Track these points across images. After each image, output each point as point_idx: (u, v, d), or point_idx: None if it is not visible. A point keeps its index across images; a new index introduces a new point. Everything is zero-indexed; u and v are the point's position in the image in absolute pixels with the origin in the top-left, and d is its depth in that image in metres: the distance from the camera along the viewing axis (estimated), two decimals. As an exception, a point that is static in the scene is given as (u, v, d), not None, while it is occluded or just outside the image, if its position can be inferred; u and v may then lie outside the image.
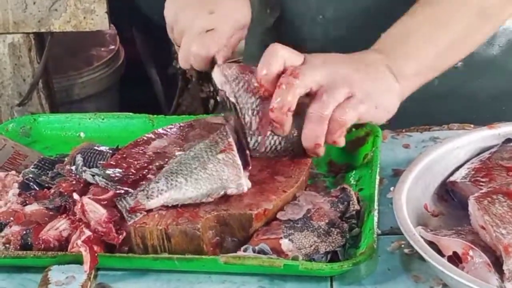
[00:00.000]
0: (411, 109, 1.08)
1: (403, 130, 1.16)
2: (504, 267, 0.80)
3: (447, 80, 1.18)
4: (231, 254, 0.90)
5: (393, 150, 1.12)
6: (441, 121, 1.15)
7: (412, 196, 0.93)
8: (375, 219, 0.94)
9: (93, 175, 0.99)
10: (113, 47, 2.36)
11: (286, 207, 0.96)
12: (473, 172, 0.96)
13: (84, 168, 1.01)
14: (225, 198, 0.96)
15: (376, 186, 0.99)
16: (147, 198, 0.94)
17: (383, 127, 1.11)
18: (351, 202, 0.97)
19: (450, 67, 1.12)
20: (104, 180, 0.98)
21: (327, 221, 0.94)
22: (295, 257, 0.90)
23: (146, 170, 1.02)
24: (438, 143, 1.02)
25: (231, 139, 0.97)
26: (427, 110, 1.20)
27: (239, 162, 0.96)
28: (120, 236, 0.93)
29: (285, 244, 0.91)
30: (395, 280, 0.89)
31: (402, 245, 0.94)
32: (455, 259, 0.85)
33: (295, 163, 1.02)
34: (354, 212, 0.96)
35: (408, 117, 1.11)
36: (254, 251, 0.90)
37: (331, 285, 0.89)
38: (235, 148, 0.97)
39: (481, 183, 0.94)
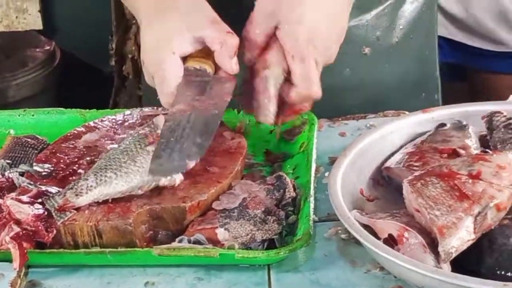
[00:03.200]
0: (323, 102, 1.07)
1: (340, 119, 1.16)
2: (439, 248, 0.80)
3: (358, 69, 1.21)
4: (165, 245, 0.88)
5: (329, 139, 1.12)
6: (355, 111, 1.16)
7: (347, 181, 0.93)
8: (311, 206, 0.93)
9: (20, 174, 0.96)
10: (48, 47, 2.30)
11: (222, 197, 0.94)
12: (407, 157, 0.96)
13: (10, 170, 0.98)
14: (158, 192, 0.93)
15: (312, 173, 0.99)
16: (76, 195, 0.91)
17: (319, 116, 1.11)
18: (287, 190, 0.96)
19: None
20: (27, 180, 0.95)
21: (263, 209, 0.93)
22: (231, 246, 0.88)
23: (77, 165, 0.99)
24: (372, 129, 1.01)
25: (159, 131, 0.95)
26: (341, 102, 1.21)
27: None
28: (50, 234, 0.90)
29: (221, 233, 0.89)
30: (332, 265, 0.89)
31: (339, 231, 0.93)
32: (391, 242, 0.84)
33: (230, 154, 1.01)
34: (290, 200, 0.95)
35: (323, 111, 1.12)
36: (189, 242, 0.89)
37: (269, 273, 0.88)
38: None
39: (414, 167, 0.93)
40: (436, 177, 0.86)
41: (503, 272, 0.78)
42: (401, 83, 1.27)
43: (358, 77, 1.24)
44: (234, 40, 0.97)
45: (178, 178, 0.94)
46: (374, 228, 0.86)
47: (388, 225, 0.85)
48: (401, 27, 1.26)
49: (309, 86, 0.98)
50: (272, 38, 0.99)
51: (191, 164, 0.91)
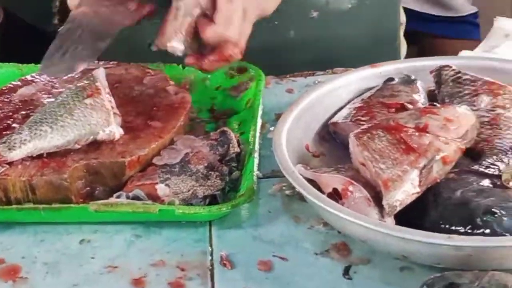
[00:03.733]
0: (265, 61, 1.07)
1: (287, 76, 1.13)
2: (384, 202, 0.78)
3: (304, 31, 1.17)
4: (102, 201, 0.85)
5: (276, 95, 1.08)
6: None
7: (292, 136, 0.90)
8: (256, 161, 0.90)
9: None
10: (-10, 7, 2.23)
11: (163, 152, 0.91)
12: (354, 112, 0.93)
13: None
14: (96, 147, 0.90)
15: (258, 129, 0.96)
16: (9, 149, 0.87)
17: (266, 72, 1.08)
18: (231, 145, 0.92)
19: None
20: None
21: (205, 164, 0.90)
22: (171, 202, 0.85)
23: (11, 119, 0.94)
24: (319, 84, 0.98)
25: (98, 84, 0.91)
26: (284, 62, 1.18)
27: (108, 106, 0.90)
28: (-18, 190, 0.86)
29: (161, 189, 0.86)
30: (275, 221, 0.86)
31: (283, 187, 0.90)
32: (335, 196, 0.82)
33: (173, 109, 0.97)
34: (234, 155, 0.92)
35: (270, 68, 1.09)
36: (128, 198, 0.85)
37: (210, 230, 0.85)
38: (103, 92, 0.91)
39: (362, 122, 0.91)
40: (383, 130, 0.84)
41: (447, 226, 0.76)
42: (352, 51, 1.23)
43: (303, 40, 1.21)
44: None
45: (118, 132, 0.90)
46: (319, 182, 0.83)
47: (333, 179, 0.82)
48: None
49: (228, 27, 0.94)
50: None
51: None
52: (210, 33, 0.95)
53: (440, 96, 0.94)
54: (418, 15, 1.95)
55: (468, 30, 1.93)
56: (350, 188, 0.80)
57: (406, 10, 1.90)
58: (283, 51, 1.20)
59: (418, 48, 1.91)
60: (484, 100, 0.91)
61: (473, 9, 2.00)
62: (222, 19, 0.94)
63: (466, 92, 0.92)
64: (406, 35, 1.50)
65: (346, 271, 0.79)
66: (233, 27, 0.95)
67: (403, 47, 1.40)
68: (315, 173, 0.84)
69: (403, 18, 1.40)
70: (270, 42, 1.15)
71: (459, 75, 0.94)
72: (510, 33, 1.10)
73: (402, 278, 0.78)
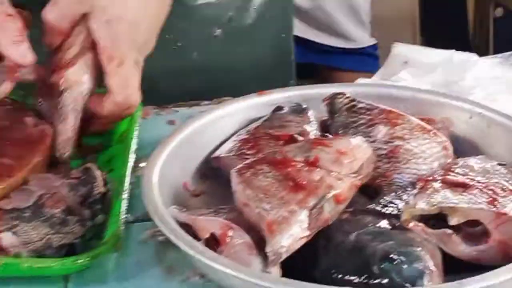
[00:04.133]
0: (167, 85, 0.97)
1: (170, 105, 1.02)
2: (267, 248, 0.67)
3: (208, 52, 1.08)
4: None
5: (156, 127, 0.97)
6: (204, 96, 1.03)
7: (168, 174, 0.78)
8: (124, 203, 0.78)
9: None
10: None
11: (13, 194, 0.77)
12: (239, 145, 0.82)
13: None
14: None
15: (129, 165, 0.83)
16: None
17: (145, 102, 0.97)
18: (95, 184, 0.79)
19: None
20: None
21: (63, 207, 0.76)
22: (18, 254, 0.71)
23: None
24: (201, 114, 0.87)
25: None
26: (186, 85, 1.08)
27: None
28: None
29: (6, 238, 0.72)
30: (145, 273, 0.73)
31: (157, 233, 0.78)
32: (214, 242, 0.70)
33: (29, 143, 0.83)
34: (98, 196, 0.79)
35: (166, 95, 1.00)
36: (-34, 248, 0.71)
37: (66, 286, 0.72)
38: None
39: (247, 156, 0.80)
40: (268, 165, 0.73)
41: (340, 275, 0.66)
42: (255, 68, 1.15)
43: (207, 60, 1.11)
44: (14, 24, 0.80)
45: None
46: (195, 227, 0.71)
47: (210, 223, 0.70)
48: (255, 7, 1.14)
49: (128, 94, 0.84)
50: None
51: None
52: (109, 107, 0.84)
53: (334, 126, 0.84)
54: (316, 47, 1.89)
55: (367, 62, 1.88)
56: (230, 232, 0.69)
57: (304, 40, 1.84)
58: (184, 75, 1.10)
59: (315, 82, 1.84)
60: (381, 131, 0.81)
61: (372, 41, 1.96)
62: (119, 86, 0.83)
63: (362, 122, 0.83)
64: (303, 67, 1.42)
65: (226, 331, 0.67)
66: (135, 91, 0.85)
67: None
68: (190, 216, 0.72)
69: None
70: (170, 66, 1.05)
71: (354, 103, 0.84)
72: (409, 60, 1.02)
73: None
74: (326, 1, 1.82)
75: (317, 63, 1.88)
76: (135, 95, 0.85)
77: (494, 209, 0.70)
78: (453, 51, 1.02)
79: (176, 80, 1.08)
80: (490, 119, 0.85)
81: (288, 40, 1.22)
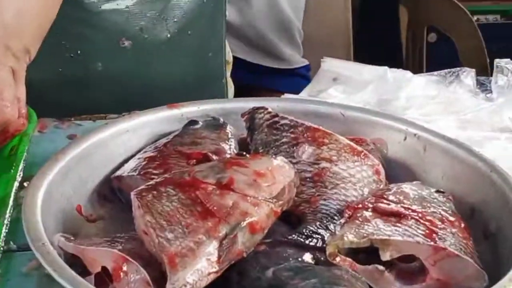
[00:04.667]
0: (69, 96, 0.87)
1: (72, 119, 0.91)
2: (168, 286, 0.56)
3: (114, 63, 0.98)
4: None
5: (54, 142, 0.85)
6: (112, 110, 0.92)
7: (57, 195, 0.66)
8: (4, 229, 0.66)
9: None
10: None
11: None
12: (144, 163, 0.72)
13: None
14: None
15: (14, 185, 0.72)
16: None
17: (41, 114, 0.85)
18: (-30, 207, 0.68)
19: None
20: None
21: None
22: None
23: None
24: (101, 127, 0.76)
25: None
26: (91, 97, 0.98)
27: None
28: None
29: None
30: (24, 312, 0.62)
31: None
32: (107, 278, 0.60)
33: None
34: (-26, 221, 0.67)
35: (68, 107, 0.91)
36: None
37: None
38: None
39: (153, 176, 0.69)
40: (174, 187, 0.62)
41: (254, 319, 0.56)
42: (175, 87, 1.05)
43: (115, 72, 1.01)
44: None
45: None
46: (84, 259, 0.60)
47: (102, 254, 0.59)
48: (175, 19, 1.04)
49: (1, 107, 0.74)
50: None
51: None
52: None
53: (253, 144, 0.74)
54: (246, 66, 1.80)
55: (298, 83, 1.80)
56: (124, 267, 0.58)
57: (234, 59, 1.76)
58: (85, 87, 0.99)
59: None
60: (307, 151, 0.72)
61: (304, 62, 1.89)
62: None
63: (284, 140, 0.73)
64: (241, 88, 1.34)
65: None
66: (7, 102, 0.74)
67: (231, 90, 1.22)
68: (78, 246, 0.61)
69: (230, 56, 1.23)
70: (69, 76, 0.94)
71: (276, 119, 0.75)
72: (339, 76, 0.94)
73: None
74: (256, 17, 1.74)
75: (246, 83, 1.79)
76: (10, 109, 0.74)
77: (432, 243, 0.61)
78: (386, 68, 0.94)
79: (79, 92, 0.97)
80: (426, 141, 0.76)
81: (218, 60, 1.13)
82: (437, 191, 0.69)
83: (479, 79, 0.94)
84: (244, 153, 0.70)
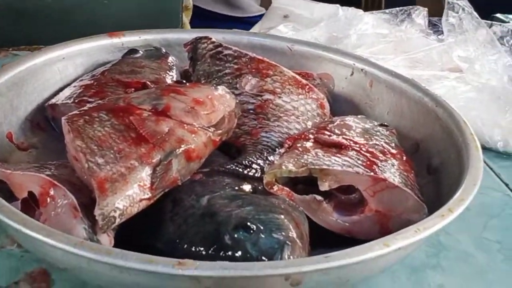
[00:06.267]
0: (8, 27, 0.84)
1: (9, 49, 0.87)
2: (96, 211, 0.53)
3: None
4: None
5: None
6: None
7: (-14, 120, 0.64)
8: None
9: None
10: None
11: None
12: (80, 91, 0.69)
13: None
14: None
15: None
16: None
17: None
18: None
19: None
20: None
21: None
22: None
23: None
24: (34, 53, 0.71)
25: None
26: (32, 29, 0.93)
27: None
28: None
29: None
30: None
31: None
32: (33, 204, 0.57)
33: None
34: None
35: (5, 37, 0.88)
36: None
37: None
38: None
39: (88, 104, 0.66)
40: (108, 113, 0.59)
41: (186, 246, 0.53)
42: (126, 22, 1.00)
43: (62, 4, 0.96)
44: None
45: None
46: (10, 184, 0.57)
47: (28, 179, 0.56)
48: None
49: None
50: None
51: None
52: None
53: (195, 75, 0.71)
54: (203, 13, 1.76)
55: (254, 30, 1.77)
56: (52, 191, 0.55)
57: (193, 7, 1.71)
58: (26, 17, 0.93)
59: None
60: (250, 82, 0.70)
61: (262, 11, 1.85)
62: None
63: (228, 71, 0.71)
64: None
65: (38, 314, 0.54)
66: None
67: None
68: (4, 171, 0.58)
69: (190, 2, 1.19)
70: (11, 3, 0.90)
71: (220, 49, 0.72)
72: (290, 13, 0.91)
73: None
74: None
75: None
76: None
77: (372, 173, 0.59)
78: (338, 5, 0.92)
79: (17, 22, 0.92)
80: (373, 76, 0.75)
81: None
82: (381, 125, 0.68)
83: (432, 20, 0.93)
84: (184, 81, 0.68)
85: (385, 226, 0.60)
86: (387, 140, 0.65)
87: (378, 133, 0.66)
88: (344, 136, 0.63)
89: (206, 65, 0.71)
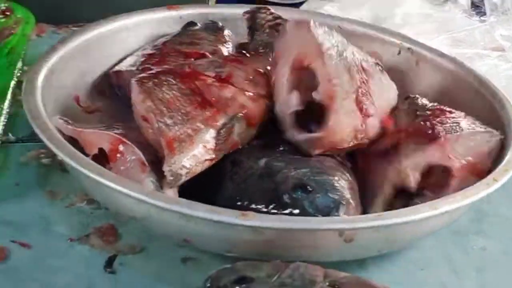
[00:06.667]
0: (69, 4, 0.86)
1: (69, 25, 0.91)
2: (165, 167, 0.57)
3: None
4: None
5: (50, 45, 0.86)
6: None
7: (56, 83, 0.67)
8: (2, 119, 0.67)
9: None
10: None
11: None
12: (143, 59, 0.72)
13: None
14: None
15: (12, 81, 0.72)
16: None
17: (39, 18, 0.86)
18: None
19: None
20: None
21: None
22: None
23: None
24: (99, 22, 0.75)
25: None
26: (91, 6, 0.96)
27: None
28: None
29: None
30: (23, 197, 0.63)
31: (42, 155, 0.68)
32: (102, 160, 0.61)
33: None
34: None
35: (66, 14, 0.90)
36: None
37: None
38: None
39: (152, 71, 0.70)
40: (175, 77, 0.63)
41: (245, 203, 0.57)
42: None
43: None
44: None
45: None
46: (81, 141, 0.61)
47: (99, 136, 0.61)
48: None
49: None
50: None
51: None
52: None
53: (253, 45, 0.74)
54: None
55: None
56: (121, 148, 0.59)
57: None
58: None
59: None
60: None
61: None
62: None
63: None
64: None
65: (109, 263, 0.58)
66: None
67: None
68: (76, 129, 0.62)
69: None
70: None
71: (279, 21, 0.75)
72: (334, -6, 0.94)
73: (184, 271, 0.58)
74: None
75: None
76: None
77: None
78: (383, -15, 0.95)
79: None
80: (419, 55, 0.78)
81: None
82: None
83: (474, 1, 0.95)
84: (244, 51, 0.71)
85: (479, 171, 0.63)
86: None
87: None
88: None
89: (265, 35, 0.74)
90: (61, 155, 0.57)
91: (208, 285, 0.52)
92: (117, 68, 0.73)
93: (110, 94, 0.73)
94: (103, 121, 0.70)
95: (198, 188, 0.60)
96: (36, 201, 0.63)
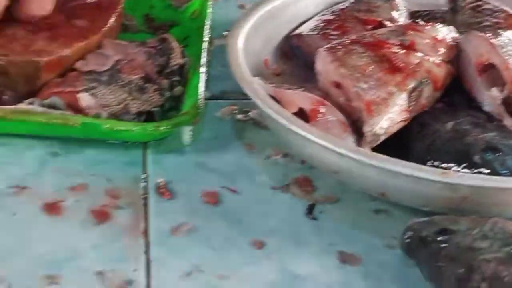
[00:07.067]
0: None
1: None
2: (365, 128, 0.63)
3: None
4: (8, 106, 0.68)
5: (226, 10, 0.91)
6: None
7: (249, 47, 0.73)
8: (203, 77, 0.74)
9: None
10: None
11: (89, 56, 0.73)
12: (323, 25, 0.78)
13: None
14: (6, 40, 0.72)
15: (205, 42, 0.79)
16: None
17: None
18: (172, 55, 0.75)
19: None
20: None
21: (142, 75, 0.72)
22: (97, 115, 0.69)
23: None
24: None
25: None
26: None
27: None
28: None
29: (84, 99, 0.69)
30: (224, 148, 0.71)
31: (234, 111, 0.75)
32: (302, 118, 0.67)
33: (101, 8, 0.78)
34: (176, 68, 0.75)
35: None
36: (42, 106, 0.68)
37: (144, 154, 0.69)
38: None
39: (332, 36, 0.76)
40: (361, 46, 0.69)
41: (435, 162, 0.62)
42: None
43: None
44: None
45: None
46: (282, 101, 0.67)
47: (301, 97, 0.67)
48: None
49: None
50: None
51: None
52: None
53: (455, 24, 0.76)
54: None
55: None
56: (322, 109, 0.66)
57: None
58: None
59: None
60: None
61: None
62: None
63: (486, 24, 0.77)
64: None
65: (310, 210, 0.65)
66: None
67: None
68: (277, 89, 0.69)
69: None
70: None
71: (480, 3, 0.79)
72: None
73: (377, 222, 0.64)
74: None
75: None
76: None
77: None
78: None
79: None
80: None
81: None
82: None
83: None
84: (419, 20, 0.76)
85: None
86: None
87: None
88: None
89: (466, 16, 0.79)
90: (270, 112, 0.64)
91: (410, 234, 0.58)
92: (298, 31, 0.79)
93: (291, 56, 0.79)
94: (289, 82, 0.76)
95: (384, 148, 0.65)
96: (236, 153, 0.70)
